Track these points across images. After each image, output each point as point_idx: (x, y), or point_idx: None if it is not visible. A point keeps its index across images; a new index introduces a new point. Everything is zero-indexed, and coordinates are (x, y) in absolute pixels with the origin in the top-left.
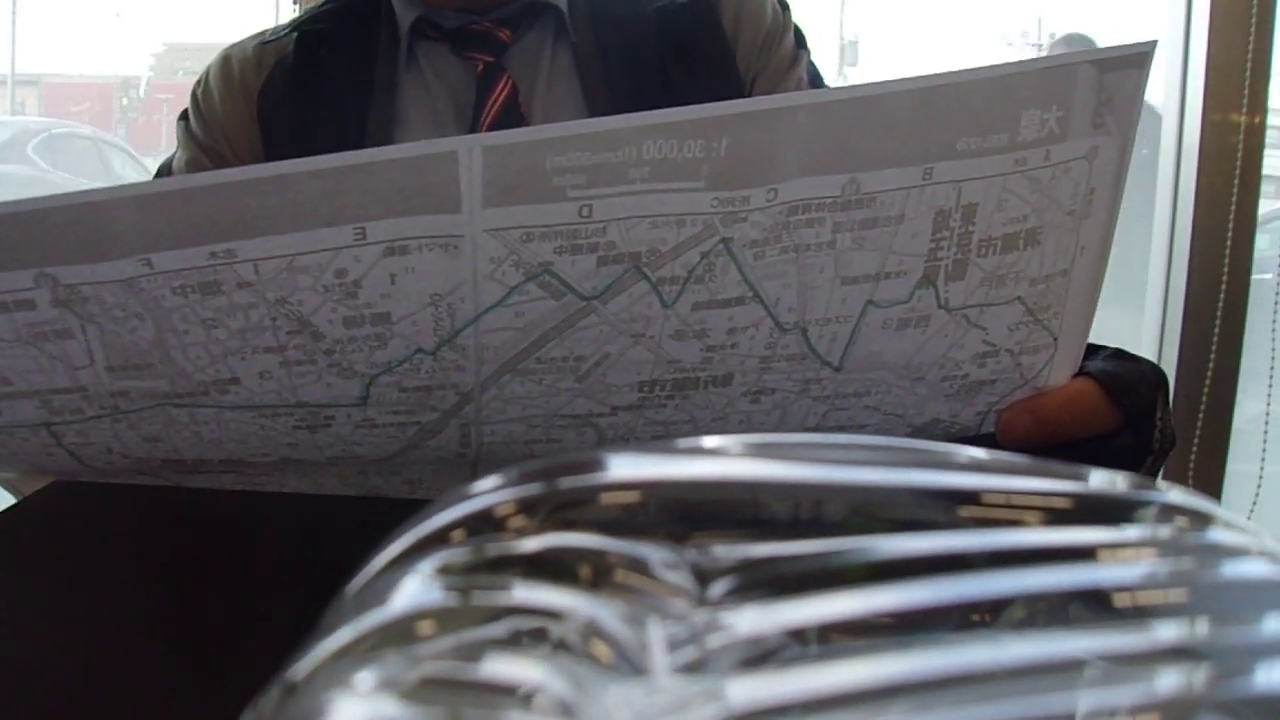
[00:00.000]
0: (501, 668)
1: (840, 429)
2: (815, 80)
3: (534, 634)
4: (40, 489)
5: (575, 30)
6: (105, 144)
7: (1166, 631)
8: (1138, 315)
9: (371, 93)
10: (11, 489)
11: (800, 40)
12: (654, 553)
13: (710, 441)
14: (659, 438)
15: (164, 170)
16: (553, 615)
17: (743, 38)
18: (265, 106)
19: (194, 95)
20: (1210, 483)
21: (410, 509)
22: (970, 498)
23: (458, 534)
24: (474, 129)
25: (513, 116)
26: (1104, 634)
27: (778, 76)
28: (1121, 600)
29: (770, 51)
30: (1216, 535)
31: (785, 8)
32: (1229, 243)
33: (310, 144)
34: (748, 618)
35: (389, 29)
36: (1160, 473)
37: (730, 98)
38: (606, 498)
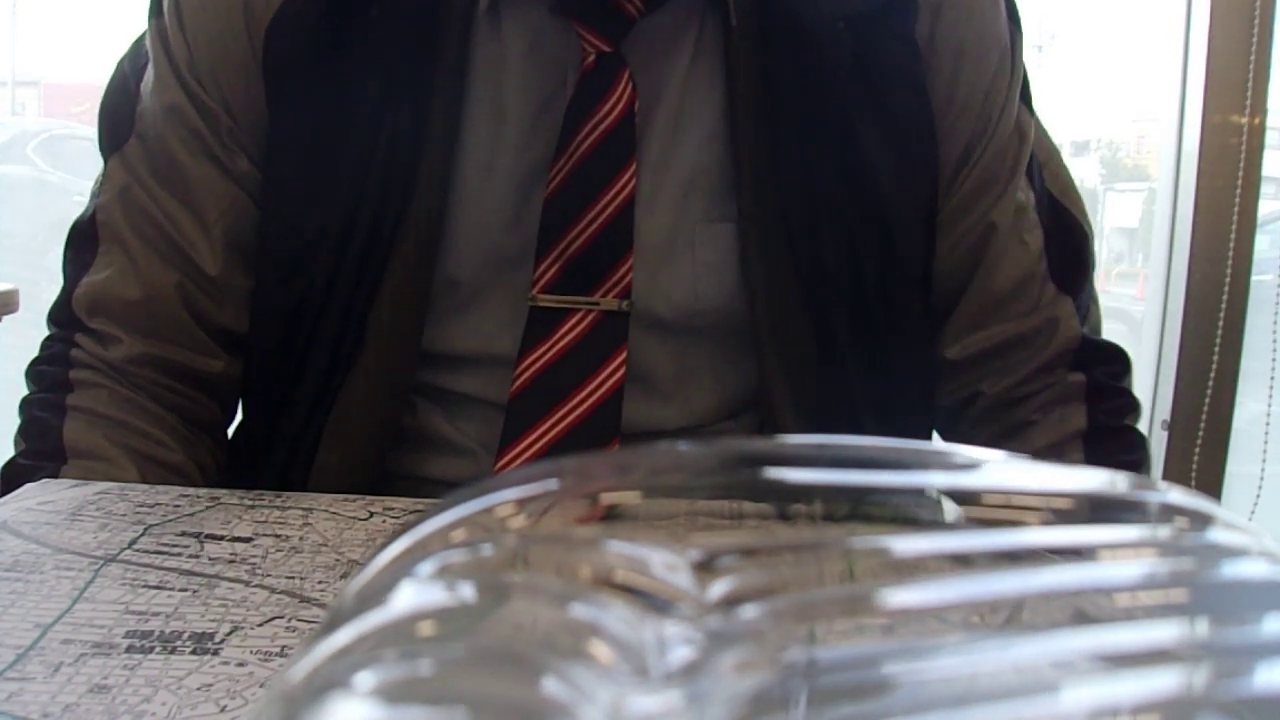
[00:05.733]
0: (502, 669)
1: None
2: (1041, 201)
3: (535, 634)
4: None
5: (738, 12)
6: None
7: (1166, 631)
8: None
9: (435, 69)
10: None
11: (1027, 95)
12: (654, 553)
13: (713, 444)
14: None
15: (124, 76)
16: (553, 616)
17: (960, 89)
18: (276, 56)
19: None
20: (1211, 483)
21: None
22: (971, 498)
23: (458, 534)
24: (561, 152)
25: (623, 145)
26: (1104, 634)
27: (994, 167)
28: (1121, 600)
29: (991, 120)
30: (1216, 535)
31: (1016, 28)
32: (1230, 244)
33: (343, 136)
34: (747, 618)
35: None
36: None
37: (919, 164)
38: (607, 498)
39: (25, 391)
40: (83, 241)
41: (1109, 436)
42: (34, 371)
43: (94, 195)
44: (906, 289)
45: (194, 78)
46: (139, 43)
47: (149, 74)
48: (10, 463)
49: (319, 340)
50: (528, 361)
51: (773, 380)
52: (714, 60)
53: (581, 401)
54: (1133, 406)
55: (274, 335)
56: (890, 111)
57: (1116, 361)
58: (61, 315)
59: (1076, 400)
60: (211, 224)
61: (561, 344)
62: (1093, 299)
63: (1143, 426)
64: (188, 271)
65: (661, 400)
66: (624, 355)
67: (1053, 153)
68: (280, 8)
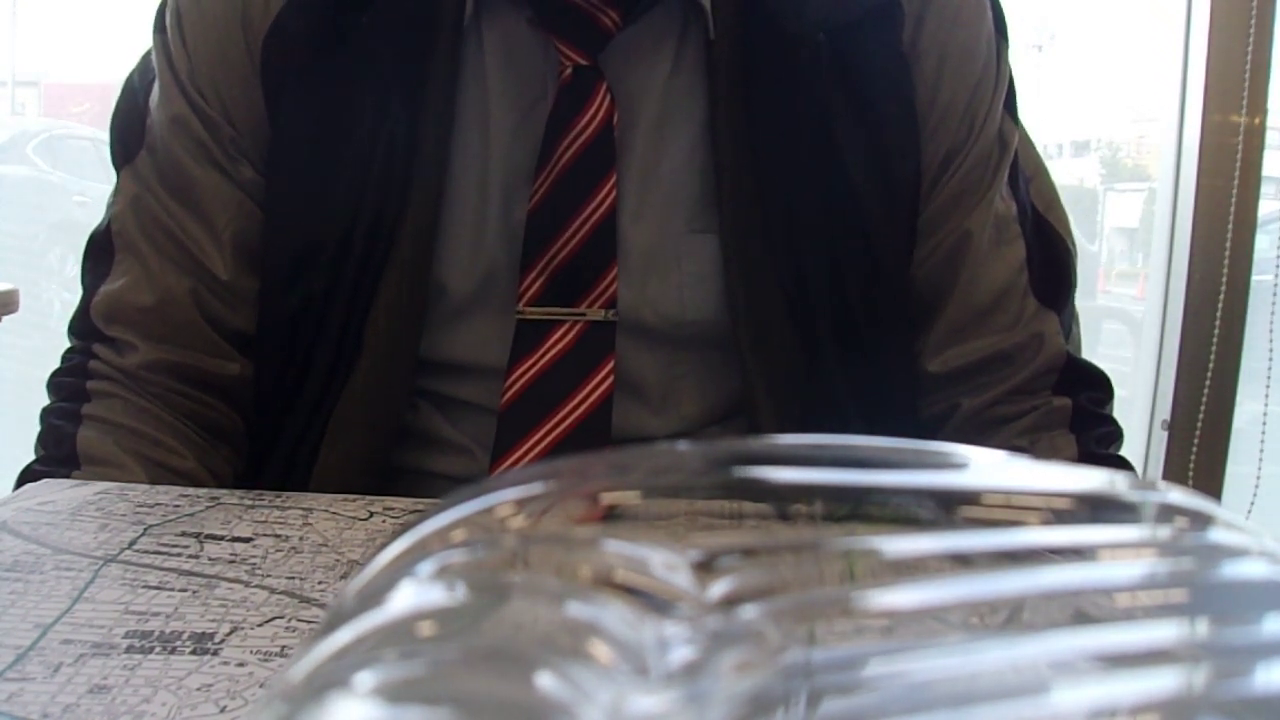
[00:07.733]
0: (502, 669)
1: None
2: (1022, 210)
3: (534, 634)
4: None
5: (716, 25)
6: (105, 145)
7: (1166, 631)
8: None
9: (426, 80)
10: None
11: (1012, 105)
12: (654, 553)
13: (712, 444)
14: None
15: (133, 89)
16: (553, 615)
17: (942, 94)
18: (273, 69)
19: (175, 4)
20: (1210, 483)
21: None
22: (970, 498)
23: (458, 534)
24: (542, 165)
25: (602, 157)
26: (1104, 634)
27: (974, 175)
28: (1121, 600)
29: (974, 129)
30: (1216, 535)
31: (1002, 38)
32: (1229, 243)
33: (340, 146)
34: (747, 618)
35: None
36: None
37: (902, 177)
38: (606, 498)
39: (25, 390)
40: (99, 253)
41: (1100, 465)
42: (54, 383)
43: (109, 207)
44: (889, 298)
45: (196, 89)
46: (147, 56)
47: (156, 87)
48: (26, 469)
49: (320, 345)
50: (518, 372)
51: (756, 389)
52: (695, 72)
53: (572, 411)
54: (1118, 435)
55: (276, 340)
56: (874, 121)
57: (1101, 387)
58: (81, 325)
59: (1062, 427)
60: (220, 230)
61: (550, 355)
62: (1074, 317)
63: (1143, 426)
64: (200, 277)
65: (651, 408)
66: (612, 365)
67: (1040, 168)
68: (276, 19)
